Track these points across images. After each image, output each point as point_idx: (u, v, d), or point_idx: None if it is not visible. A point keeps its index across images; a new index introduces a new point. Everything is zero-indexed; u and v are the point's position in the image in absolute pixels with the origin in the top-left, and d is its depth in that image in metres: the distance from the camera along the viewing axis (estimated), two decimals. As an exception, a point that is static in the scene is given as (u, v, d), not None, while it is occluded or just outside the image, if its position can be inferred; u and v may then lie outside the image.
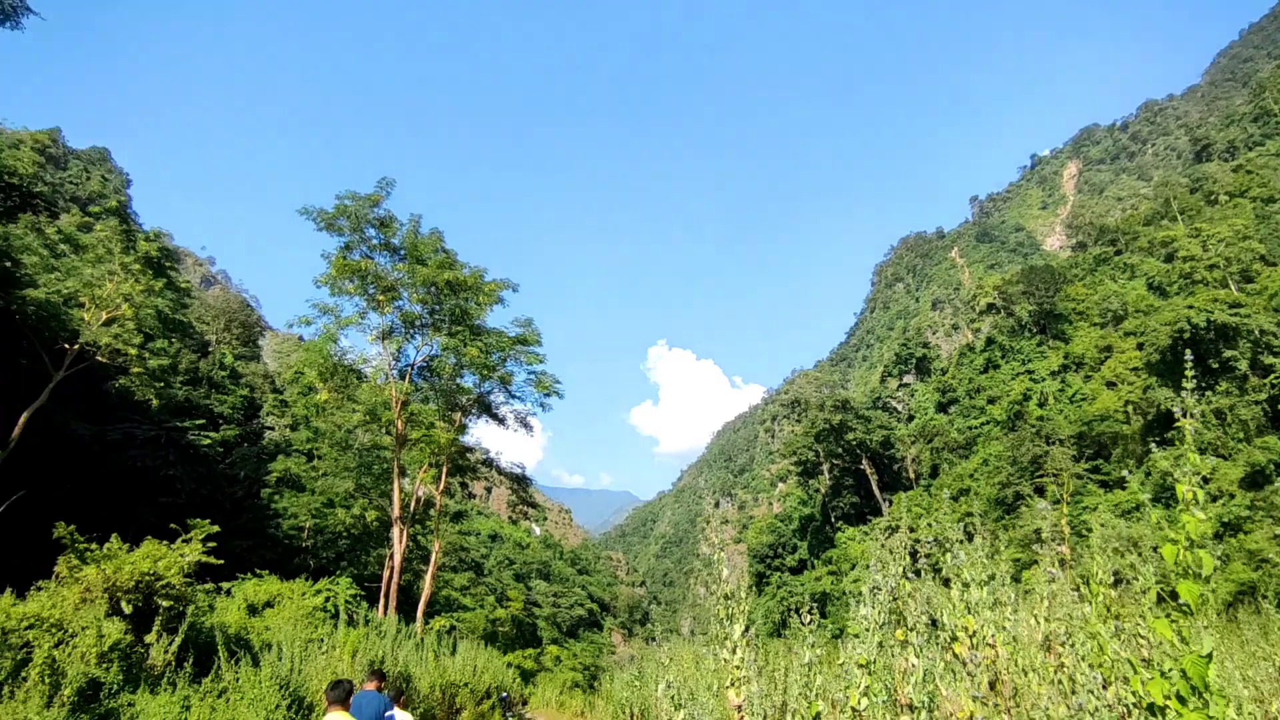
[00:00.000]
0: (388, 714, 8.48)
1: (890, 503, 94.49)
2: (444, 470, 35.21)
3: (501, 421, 36.55)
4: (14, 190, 36.61)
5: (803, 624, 5.29)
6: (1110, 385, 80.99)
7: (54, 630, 12.05)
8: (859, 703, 5.12)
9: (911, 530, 6.23)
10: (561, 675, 53.95)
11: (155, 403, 34.70)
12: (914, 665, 5.74)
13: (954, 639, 6.12)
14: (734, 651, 5.01)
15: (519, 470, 38.26)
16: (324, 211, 30.01)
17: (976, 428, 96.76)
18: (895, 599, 5.74)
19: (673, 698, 4.54)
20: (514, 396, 36.42)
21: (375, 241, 31.70)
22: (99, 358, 29.25)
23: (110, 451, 37.51)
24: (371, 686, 8.65)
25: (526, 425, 36.84)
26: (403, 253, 31.86)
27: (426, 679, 18.64)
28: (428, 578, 33.85)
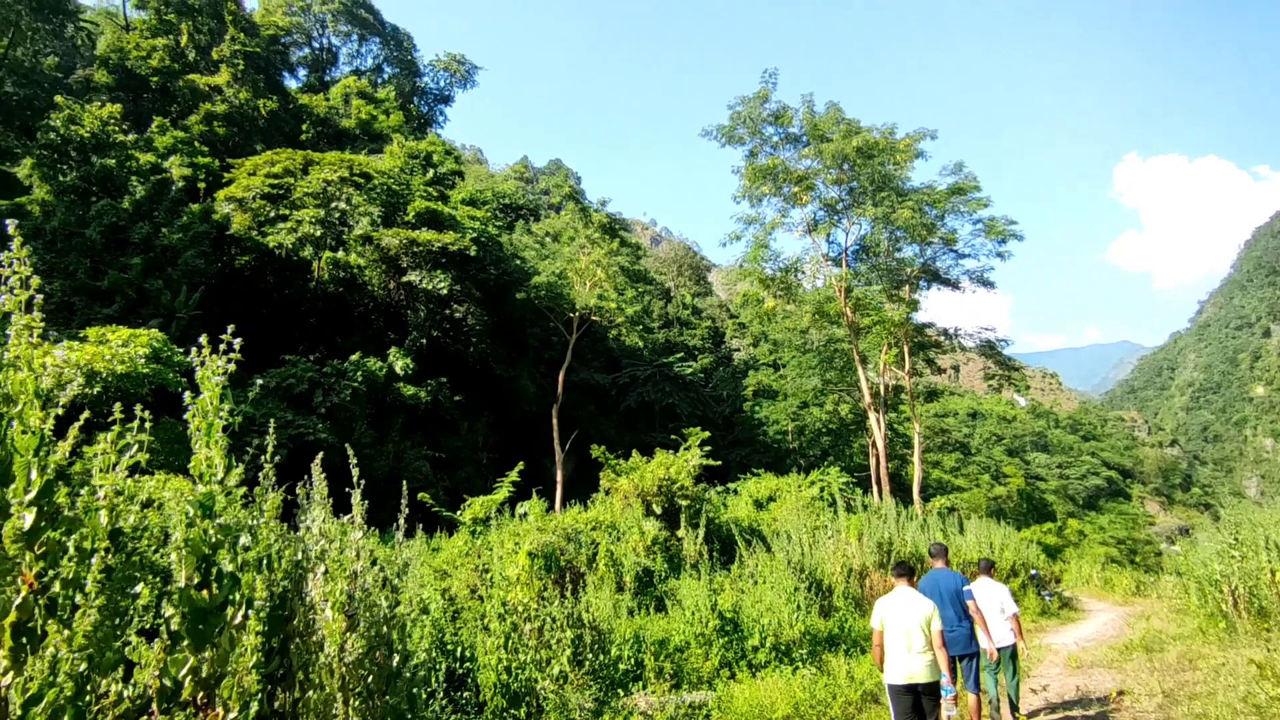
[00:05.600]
0: (964, 589, 7.80)
1: None
2: (905, 351, 33.56)
3: (955, 285, 33.01)
4: (509, 208, 47.49)
5: None
6: None
7: (609, 530, 14.59)
8: None
9: None
10: (1090, 550, 47.68)
11: (642, 345, 40.96)
12: None
13: None
14: None
15: (990, 334, 34.12)
16: (721, 126, 30.90)
17: None
18: None
19: None
20: (962, 255, 32.62)
21: (776, 138, 31.38)
22: (594, 318, 35.83)
23: (623, 392, 46.02)
24: (939, 564, 8.11)
25: (985, 283, 32.57)
26: (805, 138, 30.82)
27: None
28: (915, 460, 32.91)
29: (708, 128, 31.61)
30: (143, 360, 14.80)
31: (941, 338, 35.58)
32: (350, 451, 4.15)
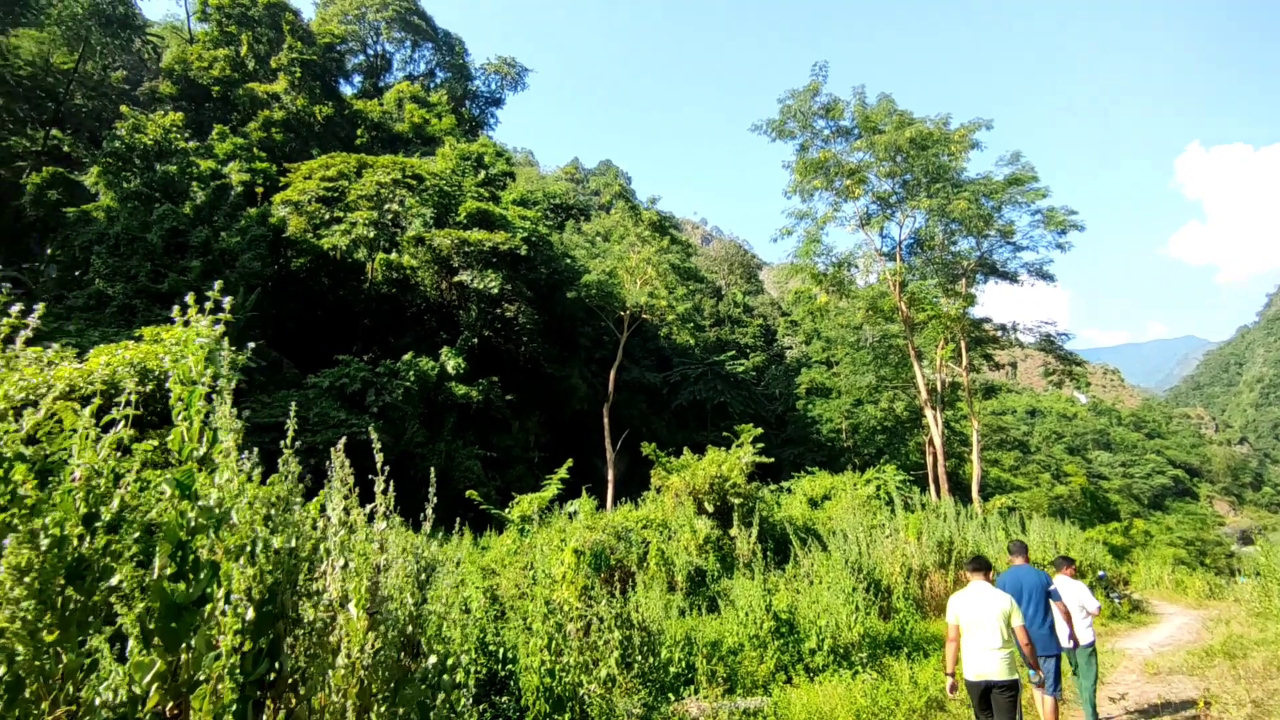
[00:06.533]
0: (1050, 588, 7.48)
1: None
2: (962, 346, 32.43)
3: (1013, 279, 31.82)
4: (559, 208, 47.68)
5: None
6: None
7: (660, 528, 14.25)
8: None
9: None
10: (1158, 552, 45.42)
11: (693, 343, 40.54)
12: None
13: None
14: None
15: (1049, 328, 32.72)
16: (771, 120, 30.36)
17: None
18: None
19: None
20: (1020, 248, 31.50)
21: (827, 131, 30.75)
22: (645, 316, 35.60)
23: (674, 390, 45.66)
24: (1019, 561, 7.89)
25: (1044, 276, 31.35)
26: (856, 131, 30.06)
27: (1004, 557, 16.99)
28: (973, 458, 31.77)
29: (757, 122, 31.18)
30: (200, 358, 15.09)
31: (999, 333, 34.32)
32: (374, 434, 3.80)
